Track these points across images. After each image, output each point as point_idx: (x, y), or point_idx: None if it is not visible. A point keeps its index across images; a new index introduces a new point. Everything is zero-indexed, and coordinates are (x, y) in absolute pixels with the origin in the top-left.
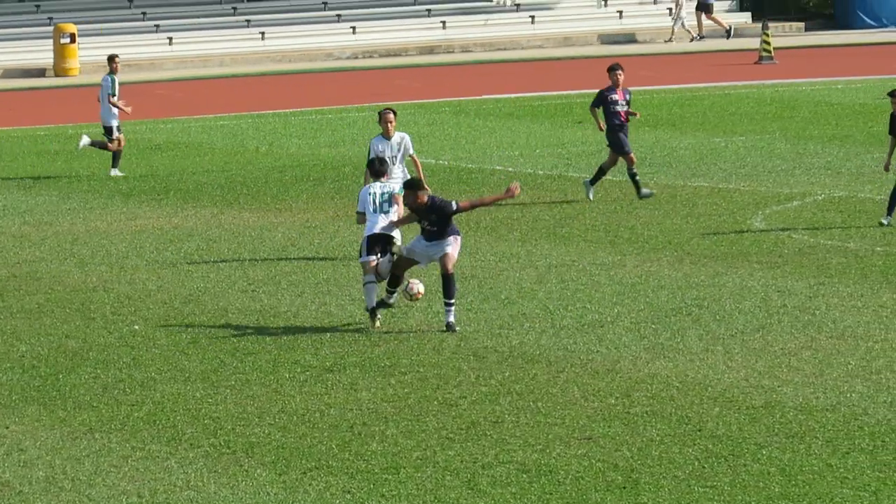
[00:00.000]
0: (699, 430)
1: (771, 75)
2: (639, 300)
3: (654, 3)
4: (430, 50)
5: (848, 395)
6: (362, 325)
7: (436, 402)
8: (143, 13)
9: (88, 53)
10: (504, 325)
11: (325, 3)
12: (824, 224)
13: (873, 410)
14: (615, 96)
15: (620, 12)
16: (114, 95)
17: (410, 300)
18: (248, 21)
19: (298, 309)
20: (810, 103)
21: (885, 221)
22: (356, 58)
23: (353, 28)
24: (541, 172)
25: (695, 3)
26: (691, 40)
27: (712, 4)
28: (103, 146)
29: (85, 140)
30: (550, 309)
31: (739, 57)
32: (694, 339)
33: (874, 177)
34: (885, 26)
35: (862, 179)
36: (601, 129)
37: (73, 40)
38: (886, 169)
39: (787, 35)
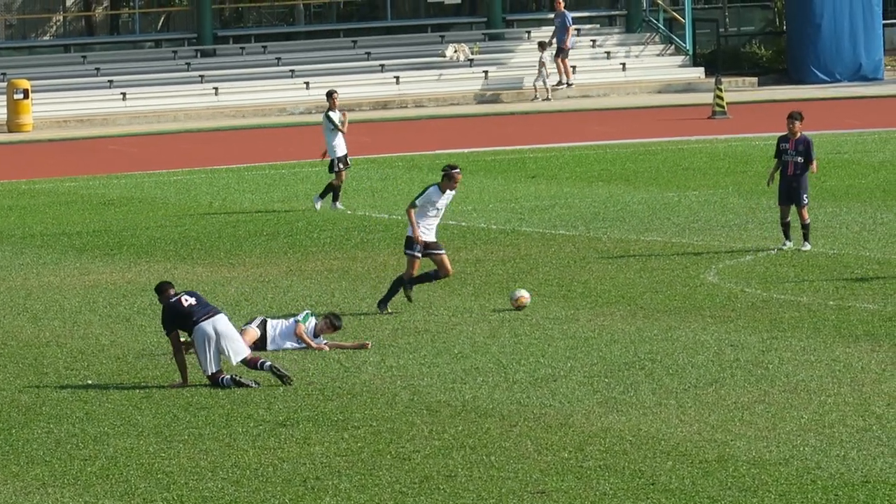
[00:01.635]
0: (652, 484)
1: (724, 130)
2: (592, 354)
3: (608, 57)
4: (384, 105)
5: (801, 449)
6: (315, 380)
7: (389, 457)
8: (97, 69)
9: (42, 109)
10: (457, 379)
11: (278, 59)
12: (777, 278)
13: (826, 464)
14: (786, 145)
15: (574, 67)
16: (332, 129)
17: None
18: (201, 77)
19: None
20: (763, 158)
21: None
22: (310, 113)
23: (307, 83)
24: (494, 227)
25: (553, 58)
26: (545, 100)
27: (568, 50)
28: (329, 188)
29: (318, 203)
30: (503, 363)
31: (693, 112)
32: (647, 392)
33: (827, 231)
34: (839, 81)
35: (815, 234)
36: (768, 184)
37: (26, 96)
38: None
39: (741, 90)
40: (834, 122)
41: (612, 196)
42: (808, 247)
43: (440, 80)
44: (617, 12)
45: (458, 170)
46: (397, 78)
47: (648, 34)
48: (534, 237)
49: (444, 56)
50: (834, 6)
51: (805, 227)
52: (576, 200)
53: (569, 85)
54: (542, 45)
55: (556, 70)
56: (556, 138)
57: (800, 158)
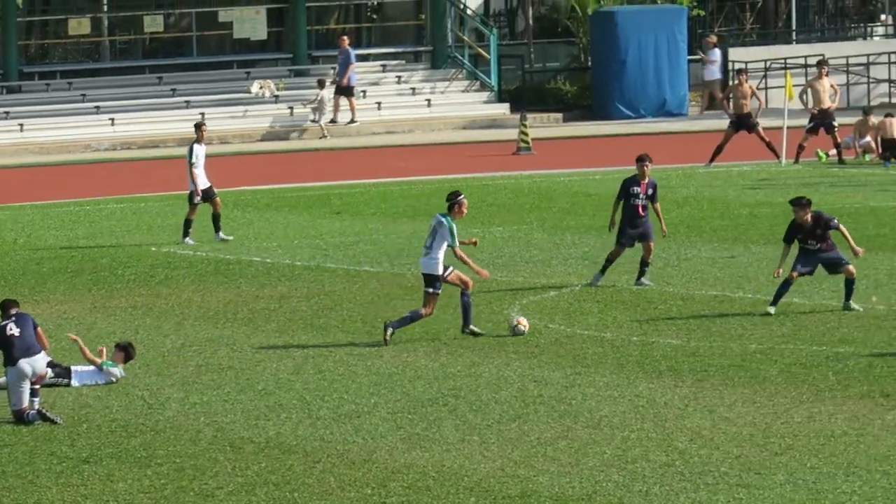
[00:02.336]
0: None
1: (529, 166)
2: (396, 390)
3: (413, 93)
4: (189, 141)
5: (604, 485)
6: (118, 417)
7: (192, 493)
8: None
9: None
10: (261, 415)
11: (84, 95)
12: (581, 314)
13: (629, 499)
14: (637, 189)
15: (379, 104)
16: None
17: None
18: (6, 113)
19: (55, 400)
20: (568, 194)
21: (771, 311)
22: (115, 149)
23: (112, 120)
24: (299, 263)
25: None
26: (320, 137)
27: (353, 88)
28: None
29: (187, 242)
30: (307, 399)
31: (498, 148)
32: (450, 428)
33: (630, 267)
34: (643, 117)
35: (619, 270)
36: (610, 229)
37: None
38: (777, 276)
39: (546, 126)
40: None
41: (417, 232)
42: (648, 284)
43: (246, 117)
44: (422, 48)
45: (462, 195)
46: (203, 114)
47: (454, 70)
48: (339, 273)
49: (250, 92)
50: (639, 42)
51: (647, 264)
52: (380, 237)
53: (350, 122)
54: (321, 83)
55: (347, 107)
56: (362, 174)
57: (647, 202)
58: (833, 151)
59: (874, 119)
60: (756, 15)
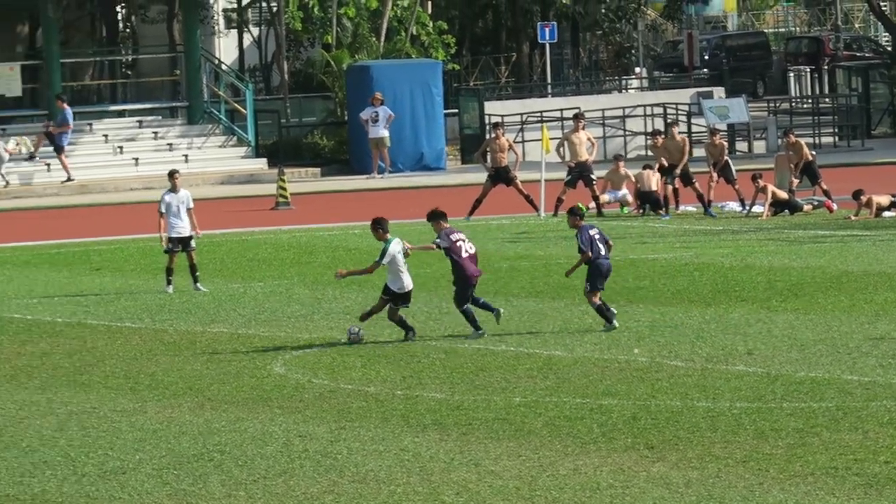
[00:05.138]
0: None
1: (288, 221)
2: (161, 446)
3: (170, 149)
4: None
5: None
6: None
7: None
8: None
9: None
10: (26, 472)
11: None
12: (344, 368)
13: None
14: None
15: (136, 159)
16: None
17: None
18: None
19: None
20: (328, 248)
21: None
22: None
23: None
24: (60, 320)
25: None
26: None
27: (64, 147)
28: None
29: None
30: (72, 456)
31: (256, 203)
32: (216, 484)
33: (386, 322)
34: (401, 171)
35: (381, 324)
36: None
37: None
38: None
39: (304, 181)
40: (400, 212)
41: (178, 287)
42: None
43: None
44: (178, 104)
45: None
46: None
47: (210, 125)
48: (100, 329)
49: (6, 149)
50: (395, 96)
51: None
52: (141, 292)
53: (70, 179)
54: None
55: (61, 166)
56: (121, 230)
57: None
58: (592, 204)
59: (626, 169)
60: (511, 68)
